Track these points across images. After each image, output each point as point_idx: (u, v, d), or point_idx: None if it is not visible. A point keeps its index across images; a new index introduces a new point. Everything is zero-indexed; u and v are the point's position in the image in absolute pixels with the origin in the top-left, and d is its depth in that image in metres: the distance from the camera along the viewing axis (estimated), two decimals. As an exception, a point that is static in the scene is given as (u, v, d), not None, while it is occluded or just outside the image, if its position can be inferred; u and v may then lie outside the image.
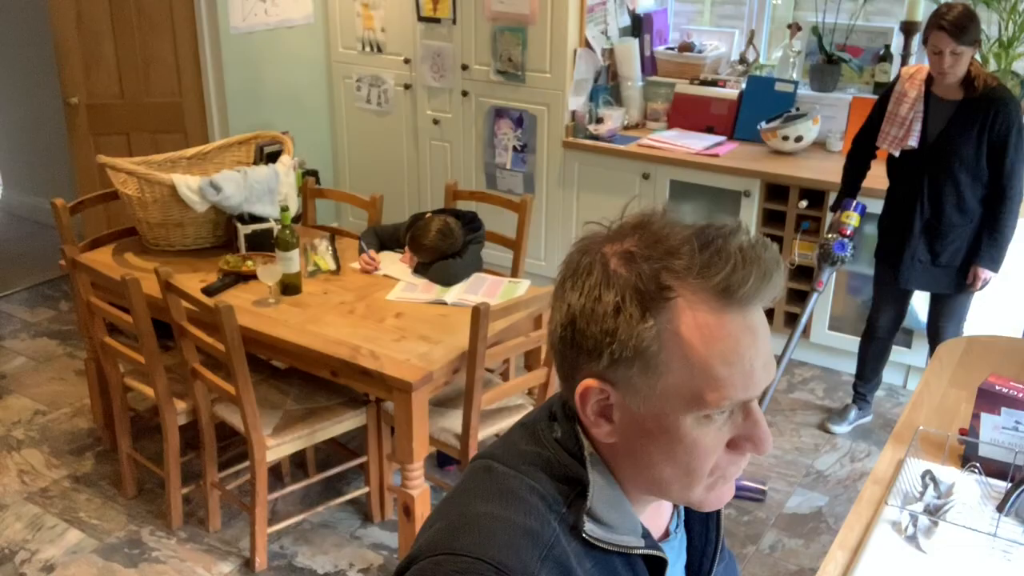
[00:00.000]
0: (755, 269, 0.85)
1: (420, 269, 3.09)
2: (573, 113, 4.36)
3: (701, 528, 1.09)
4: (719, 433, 0.90)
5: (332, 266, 3.15)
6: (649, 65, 4.57)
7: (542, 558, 0.88)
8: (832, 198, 3.73)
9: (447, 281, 3.02)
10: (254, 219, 3.26)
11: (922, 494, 1.79)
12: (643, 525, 0.97)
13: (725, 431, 0.90)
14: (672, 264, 0.86)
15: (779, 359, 3.44)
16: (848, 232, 3.28)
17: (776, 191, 3.92)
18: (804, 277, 3.96)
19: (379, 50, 4.83)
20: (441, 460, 3.32)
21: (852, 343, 3.91)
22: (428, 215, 3.14)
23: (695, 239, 0.86)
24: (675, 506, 1.07)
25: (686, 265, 0.85)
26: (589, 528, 0.92)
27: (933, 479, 1.82)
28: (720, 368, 0.86)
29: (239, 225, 3.24)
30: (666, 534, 1.05)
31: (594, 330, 0.88)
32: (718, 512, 1.08)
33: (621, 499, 0.95)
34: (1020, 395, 1.83)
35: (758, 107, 4.19)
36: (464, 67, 4.55)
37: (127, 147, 4.51)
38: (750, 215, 3.93)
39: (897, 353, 3.83)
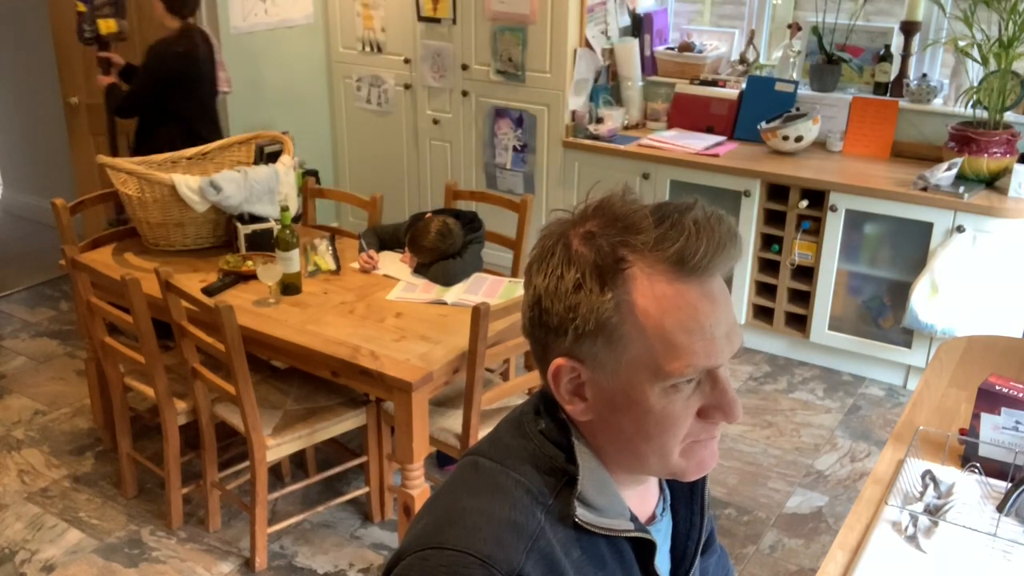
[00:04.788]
0: (708, 239, 0.88)
1: (420, 269, 3.09)
2: (573, 113, 4.36)
3: (686, 512, 1.11)
4: (687, 403, 0.92)
5: (332, 266, 3.15)
6: (649, 65, 4.57)
7: (527, 550, 0.90)
8: (832, 198, 3.74)
9: (447, 281, 3.02)
10: (254, 219, 3.26)
11: (922, 494, 1.79)
12: (630, 509, 0.99)
13: (694, 401, 0.93)
14: (630, 239, 0.89)
15: None
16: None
17: (776, 191, 3.92)
18: (804, 276, 3.96)
19: (379, 50, 4.83)
20: (441, 460, 3.32)
21: (852, 343, 3.92)
22: (428, 215, 3.14)
23: (652, 215, 0.90)
24: (661, 490, 1.09)
25: (643, 240, 0.89)
26: (580, 513, 0.94)
27: (933, 479, 1.82)
28: (680, 336, 0.89)
29: (239, 225, 3.24)
30: (652, 518, 1.07)
31: (558, 307, 0.91)
32: (703, 496, 1.11)
33: (608, 482, 0.98)
34: (1020, 395, 1.83)
35: (758, 107, 4.19)
36: (464, 67, 4.55)
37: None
38: (750, 215, 3.93)
39: (897, 353, 3.84)
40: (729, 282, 3.96)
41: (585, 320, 0.90)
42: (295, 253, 2.95)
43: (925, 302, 3.59)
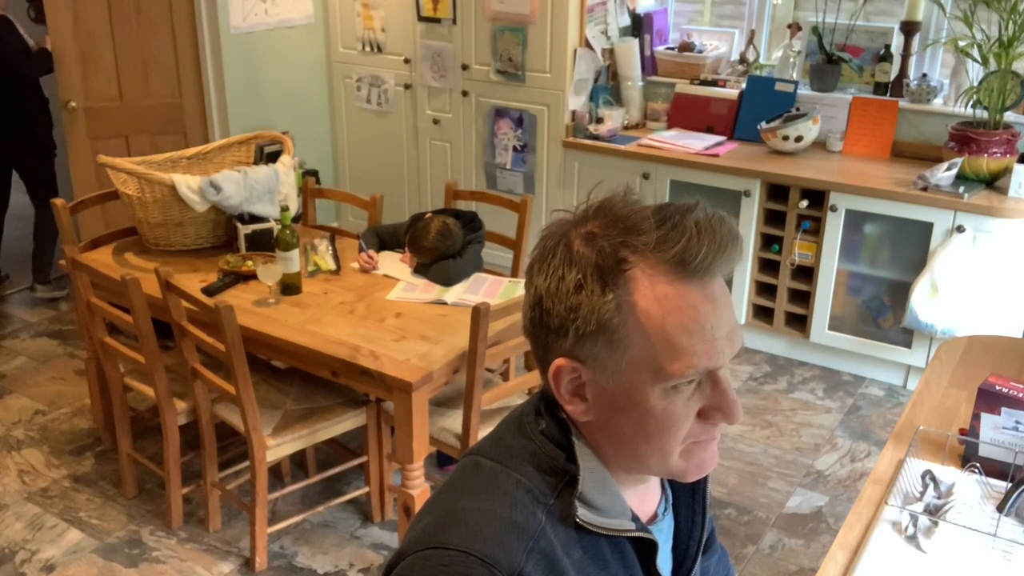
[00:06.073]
0: (710, 241, 0.88)
1: (420, 269, 3.09)
2: (573, 113, 4.36)
3: (688, 512, 1.11)
4: (688, 404, 0.92)
5: (332, 266, 3.15)
6: (649, 65, 4.57)
7: (528, 550, 0.90)
8: (832, 198, 3.74)
9: (447, 281, 3.02)
10: (254, 219, 3.26)
11: (922, 494, 1.79)
12: (631, 509, 0.99)
13: (694, 402, 0.93)
14: (631, 240, 0.89)
15: None
16: None
17: (776, 191, 3.92)
18: (804, 276, 3.96)
19: (379, 50, 4.83)
20: (441, 460, 3.32)
21: (852, 343, 3.92)
22: (428, 215, 3.14)
23: (653, 216, 0.90)
24: (663, 490, 1.09)
25: (644, 241, 0.89)
26: (582, 513, 0.94)
27: (933, 479, 1.82)
28: (681, 338, 0.89)
29: (239, 225, 3.24)
30: (654, 518, 1.07)
31: (559, 308, 0.91)
32: (704, 495, 1.11)
33: (609, 482, 0.98)
34: (1020, 395, 1.83)
35: (758, 107, 4.19)
36: (464, 67, 4.55)
37: (126, 150, 4.50)
38: (750, 215, 3.93)
39: (897, 353, 3.84)
40: (729, 282, 3.96)
41: (586, 321, 0.90)
42: (295, 253, 2.95)
43: (925, 302, 3.59)
